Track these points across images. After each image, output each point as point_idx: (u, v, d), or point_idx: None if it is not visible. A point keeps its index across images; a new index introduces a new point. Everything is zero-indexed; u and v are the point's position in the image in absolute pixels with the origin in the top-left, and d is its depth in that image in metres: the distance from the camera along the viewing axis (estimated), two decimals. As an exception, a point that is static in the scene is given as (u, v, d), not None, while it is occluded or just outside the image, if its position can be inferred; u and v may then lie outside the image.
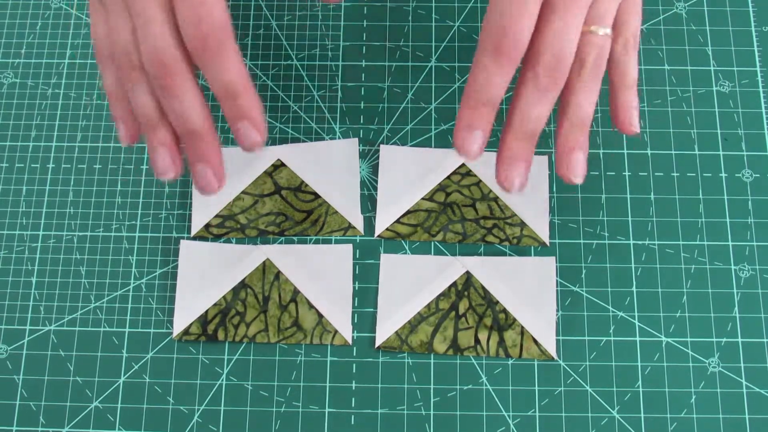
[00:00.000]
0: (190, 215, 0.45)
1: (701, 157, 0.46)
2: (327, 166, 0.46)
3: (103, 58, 0.36)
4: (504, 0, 0.33)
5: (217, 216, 0.45)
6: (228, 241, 0.45)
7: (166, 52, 0.33)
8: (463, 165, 0.46)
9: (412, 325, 0.43)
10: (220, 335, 0.43)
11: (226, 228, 0.45)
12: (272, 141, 0.47)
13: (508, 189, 0.35)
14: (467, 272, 0.44)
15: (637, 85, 0.38)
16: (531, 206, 0.45)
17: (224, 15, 0.33)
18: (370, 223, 0.45)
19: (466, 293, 0.43)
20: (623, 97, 0.38)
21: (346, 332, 0.43)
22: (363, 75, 0.48)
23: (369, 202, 0.46)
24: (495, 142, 0.47)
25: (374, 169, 0.46)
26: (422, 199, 0.45)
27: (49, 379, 0.43)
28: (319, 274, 0.44)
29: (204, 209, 0.45)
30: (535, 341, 0.42)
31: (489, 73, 0.33)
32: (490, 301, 0.43)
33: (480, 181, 0.45)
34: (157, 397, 0.42)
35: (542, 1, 0.33)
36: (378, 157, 0.46)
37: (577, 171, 0.36)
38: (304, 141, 0.47)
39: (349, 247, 0.45)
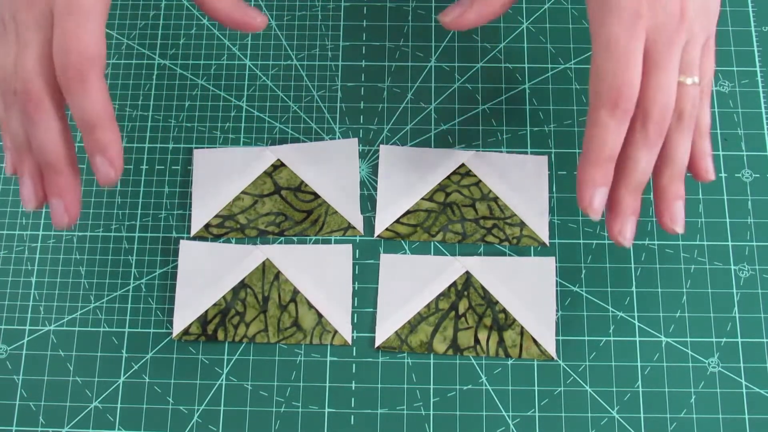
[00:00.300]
0: (190, 215, 0.45)
1: (701, 157, 0.46)
2: (327, 166, 0.46)
3: None
4: (612, 57, 0.34)
5: (216, 216, 0.45)
6: (228, 241, 0.45)
7: (32, 79, 0.34)
8: (462, 165, 0.46)
9: (412, 325, 0.43)
10: (220, 335, 0.43)
11: (225, 228, 0.45)
12: (272, 141, 0.47)
13: (624, 243, 0.36)
14: (467, 272, 0.44)
15: (710, 137, 0.38)
16: (531, 206, 0.45)
17: (94, 46, 0.33)
18: (369, 223, 0.45)
19: (465, 293, 0.43)
20: (700, 144, 0.38)
21: (346, 332, 0.43)
22: (363, 75, 0.48)
23: (369, 202, 0.46)
24: (494, 142, 0.47)
25: (374, 169, 0.46)
26: (422, 199, 0.45)
27: (49, 379, 0.43)
28: (319, 274, 0.44)
29: (204, 209, 0.45)
30: (535, 341, 0.42)
31: (609, 129, 0.34)
32: (489, 301, 0.43)
33: (480, 181, 0.45)
34: (156, 397, 0.42)
35: (643, 54, 0.34)
36: (378, 157, 0.46)
37: (679, 221, 0.37)
38: (304, 141, 0.47)
39: (349, 247, 0.45)
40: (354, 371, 0.43)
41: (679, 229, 0.37)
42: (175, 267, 0.44)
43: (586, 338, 0.43)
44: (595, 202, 0.35)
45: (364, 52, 0.49)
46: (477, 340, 0.43)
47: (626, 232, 0.36)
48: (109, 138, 0.34)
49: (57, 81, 0.34)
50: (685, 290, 0.44)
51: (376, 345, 0.43)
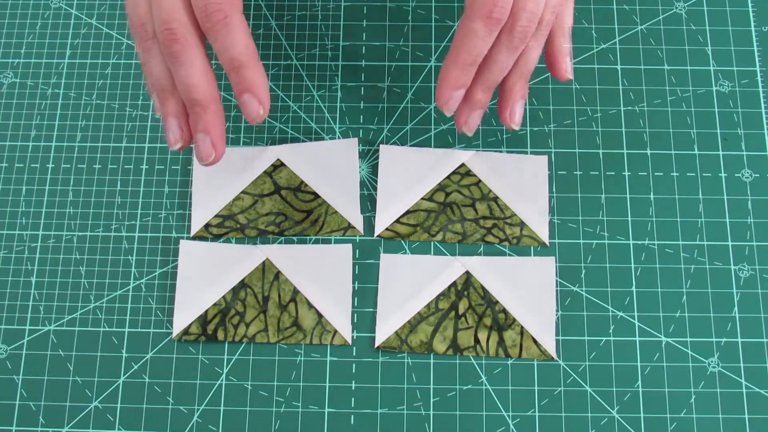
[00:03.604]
0: (189, 215, 0.45)
1: (701, 157, 0.46)
2: (327, 166, 0.46)
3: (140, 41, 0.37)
4: None
5: (216, 216, 0.45)
6: (228, 241, 0.45)
7: (174, 19, 0.35)
8: (462, 165, 0.46)
9: (412, 325, 0.43)
10: (220, 335, 0.43)
11: (225, 228, 0.45)
12: (272, 141, 0.47)
13: (468, 133, 0.39)
14: (467, 272, 0.44)
15: (570, 37, 0.40)
16: (531, 206, 0.45)
17: None
18: (369, 223, 0.45)
19: (465, 293, 0.43)
20: (560, 43, 0.39)
21: (346, 332, 0.43)
22: (363, 75, 0.48)
23: (369, 202, 0.46)
24: (494, 142, 0.47)
25: (374, 169, 0.46)
26: (422, 199, 0.45)
27: (49, 379, 0.43)
28: (319, 274, 0.44)
29: (204, 209, 0.45)
30: (535, 341, 0.42)
31: (479, 37, 0.36)
32: (489, 301, 0.43)
33: (480, 181, 0.45)
34: (156, 397, 0.42)
35: None
36: (378, 157, 0.46)
37: (518, 118, 0.39)
38: (304, 141, 0.47)
39: (349, 247, 0.45)
40: (354, 371, 0.43)
41: (516, 126, 0.39)
42: (175, 267, 0.44)
43: (586, 338, 0.43)
44: (452, 101, 0.37)
45: (364, 52, 0.49)
46: (477, 340, 0.43)
47: (472, 123, 0.39)
48: (256, 76, 0.35)
49: (196, 21, 0.35)
50: (685, 290, 0.44)
51: (376, 345, 0.43)
